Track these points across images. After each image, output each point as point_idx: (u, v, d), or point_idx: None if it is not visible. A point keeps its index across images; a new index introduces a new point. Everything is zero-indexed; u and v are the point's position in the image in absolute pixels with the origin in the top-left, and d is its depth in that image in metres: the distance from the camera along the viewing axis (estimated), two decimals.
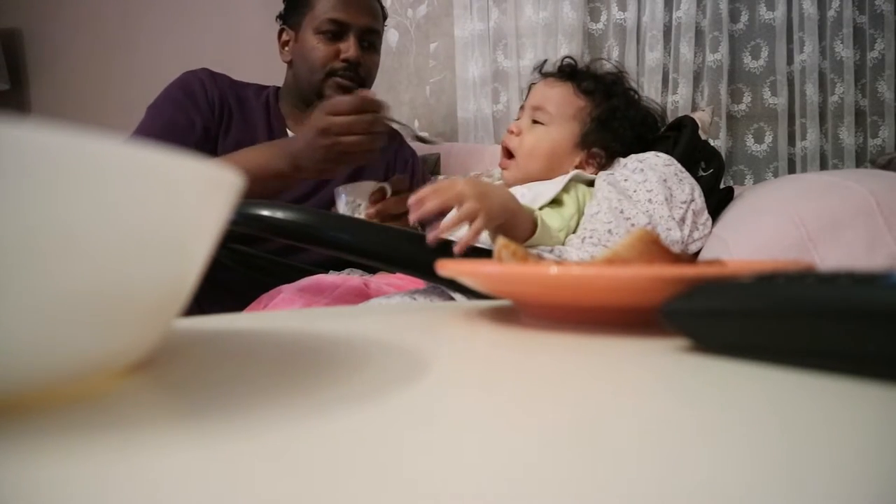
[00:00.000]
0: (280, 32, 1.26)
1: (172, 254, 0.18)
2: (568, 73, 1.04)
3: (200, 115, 1.14)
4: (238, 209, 0.65)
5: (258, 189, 0.93)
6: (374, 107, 0.89)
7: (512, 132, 1.02)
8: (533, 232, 0.79)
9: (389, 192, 0.98)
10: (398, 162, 1.37)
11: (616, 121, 0.99)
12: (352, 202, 0.96)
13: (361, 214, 0.95)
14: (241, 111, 1.21)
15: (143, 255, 0.17)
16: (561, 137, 0.99)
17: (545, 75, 1.07)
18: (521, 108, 1.08)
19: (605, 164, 0.99)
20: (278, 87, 1.30)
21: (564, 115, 1.00)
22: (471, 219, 0.68)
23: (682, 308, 0.24)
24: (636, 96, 1.05)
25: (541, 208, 0.88)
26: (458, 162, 1.67)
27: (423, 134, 0.99)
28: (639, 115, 1.02)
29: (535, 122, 1.01)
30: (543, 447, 0.14)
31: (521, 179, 0.98)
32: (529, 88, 1.09)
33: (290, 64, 1.25)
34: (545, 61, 1.11)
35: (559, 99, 1.01)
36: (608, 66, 1.07)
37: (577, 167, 0.98)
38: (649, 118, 1.05)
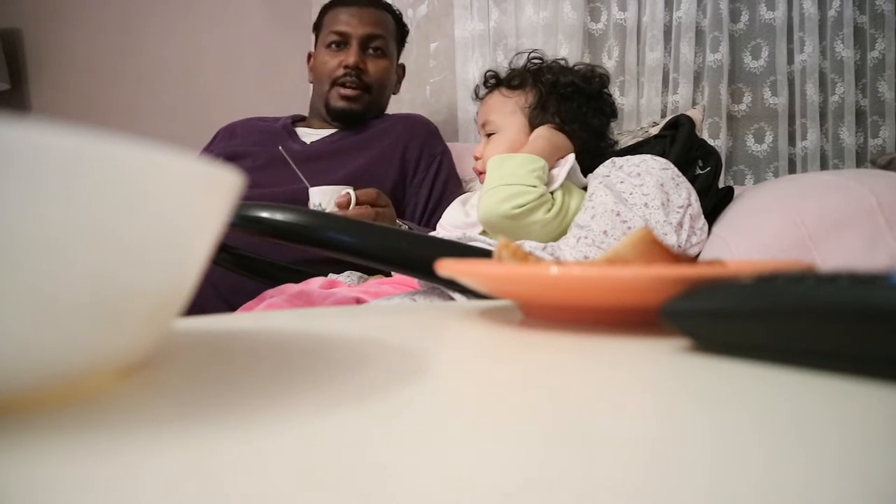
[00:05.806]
0: (308, 58, 1.41)
1: (172, 254, 0.18)
2: (494, 83, 1.10)
3: None
4: (237, 211, 0.65)
5: None
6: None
7: (476, 157, 1.08)
8: None
9: (354, 200, 1.00)
10: (424, 155, 1.37)
11: (551, 97, 1.02)
12: (317, 205, 0.99)
13: None
14: (249, 139, 1.30)
15: (143, 255, 0.17)
16: (512, 135, 1.02)
17: (481, 98, 1.12)
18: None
19: (573, 147, 1.00)
20: (301, 116, 1.42)
21: (505, 114, 1.04)
22: None
23: (682, 308, 0.24)
24: (562, 65, 1.07)
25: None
26: (457, 162, 1.67)
27: None
28: (569, 80, 1.03)
29: (487, 135, 1.06)
30: (543, 447, 0.14)
31: None
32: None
33: (312, 83, 1.37)
34: (477, 87, 1.16)
35: (495, 105, 1.06)
36: (527, 55, 1.10)
37: None
38: (588, 75, 1.06)
